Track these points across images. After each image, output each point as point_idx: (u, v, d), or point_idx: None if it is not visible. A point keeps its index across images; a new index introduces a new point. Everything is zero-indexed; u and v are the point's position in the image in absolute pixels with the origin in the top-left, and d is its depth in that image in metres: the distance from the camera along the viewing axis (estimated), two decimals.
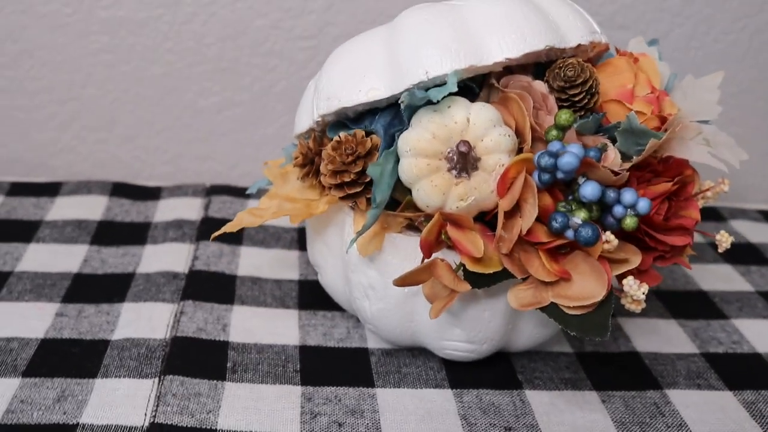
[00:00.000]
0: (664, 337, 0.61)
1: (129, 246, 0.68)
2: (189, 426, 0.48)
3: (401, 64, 0.47)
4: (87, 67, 0.80)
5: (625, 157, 0.50)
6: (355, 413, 0.51)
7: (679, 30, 0.84)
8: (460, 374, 0.55)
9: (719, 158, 0.54)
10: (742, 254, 0.75)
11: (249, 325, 0.59)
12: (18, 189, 0.76)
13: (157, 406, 0.49)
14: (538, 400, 0.53)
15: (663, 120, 0.51)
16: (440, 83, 0.46)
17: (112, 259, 0.65)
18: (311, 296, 0.63)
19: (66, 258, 0.65)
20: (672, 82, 0.59)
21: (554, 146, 0.43)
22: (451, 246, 0.46)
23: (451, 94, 0.45)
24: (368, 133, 0.50)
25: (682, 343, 0.61)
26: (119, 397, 0.50)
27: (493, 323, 0.51)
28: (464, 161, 0.44)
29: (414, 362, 0.56)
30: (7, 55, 0.79)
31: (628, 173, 0.46)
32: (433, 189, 0.45)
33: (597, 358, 0.58)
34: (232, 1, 0.79)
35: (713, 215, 0.83)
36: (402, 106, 0.45)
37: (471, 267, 0.46)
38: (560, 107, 0.48)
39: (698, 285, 0.69)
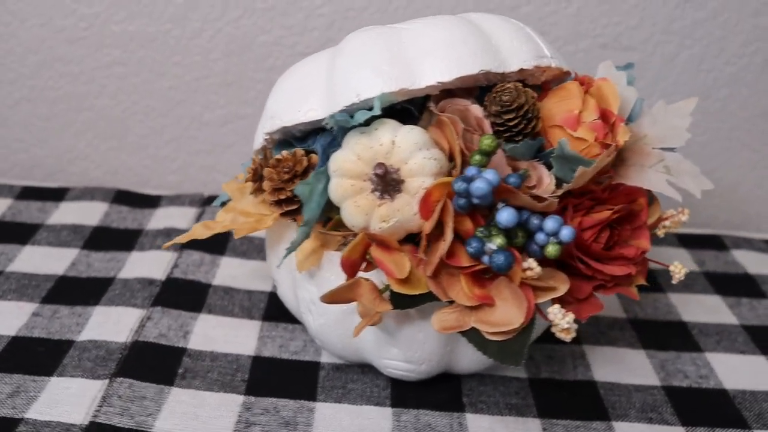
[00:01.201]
0: (627, 367, 0.60)
1: (117, 252, 0.71)
2: (125, 427, 0.50)
3: (337, 86, 0.48)
4: (101, 79, 0.84)
5: (565, 183, 0.49)
6: (289, 425, 0.52)
7: (688, 52, 0.82)
8: (405, 393, 0.56)
9: (677, 187, 0.53)
10: (737, 285, 0.73)
11: (211, 333, 0.61)
12: (28, 193, 0.80)
13: (101, 406, 0.52)
14: (477, 424, 0.53)
15: (607, 147, 0.51)
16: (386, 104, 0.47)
17: (98, 264, 0.69)
18: (277, 309, 0.64)
19: (55, 261, 0.68)
20: (639, 108, 0.58)
21: (470, 171, 0.43)
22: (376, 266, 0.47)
23: (388, 116, 0.46)
24: (310, 152, 0.51)
25: (644, 374, 0.60)
26: (67, 396, 0.53)
27: (428, 344, 0.52)
28: (384, 183, 0.45)
29: (362, 379, 0.57)
30: (29, 66, 0.83)
31: (555, 200, 0.46)
32: (356, 209, 0.46)
33: (550, 384, 0.58)
34: (236, 18, 0.81)
35: (714, 243, 0.80)
36: (328, 128, 0.46)
37: (396, 288, 0.47)
38: (496, 132, 0.48)
39: (680, 315, 0.68)
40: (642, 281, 0.54)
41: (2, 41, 0.82)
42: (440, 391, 0.56)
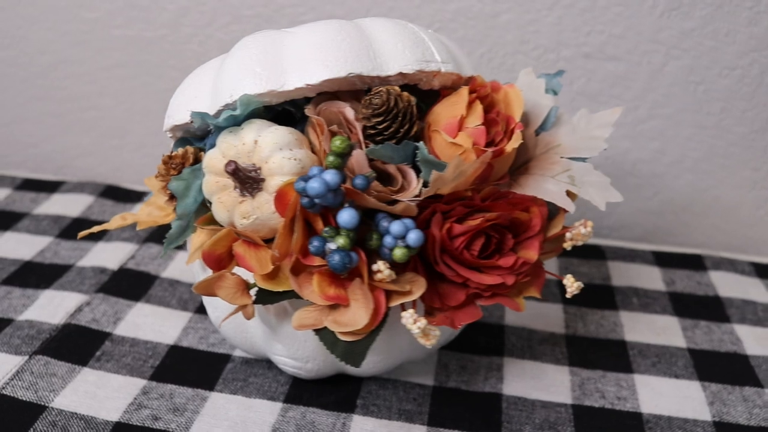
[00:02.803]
0: (541, 383, 0.59)
1: (86, 242, 0.75)
2: (25, 400, 0.54)
3: (218, 87, 0.50)
4: (103, 80, 0.89)
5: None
6: (177, 411, 0.54)
7: (677, 63, 0.79)
8: (302, 391, 0.57)
9: (562, 197, 0.52)
10: (700, 308, 0.69)
11: (140, 321, 0.64)
12: (26, 185, 0.86)
13: (12, 379, 0.56)
14: (361, 426, 0.54)
15: (499, 152, 0.50)
16: (257, 104, 0.49)
17: (64, 252, 0.73)
18: None
19: (27, 247, 0.74)
20: (553, 116, 0.57)
21: (311, 171, 0.44)
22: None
23: (273, 116, 0.48)
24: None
25: (558, 391, 0.58)
26: None
27: (309, 343, 0.52)
28: (239, 181, 0.46)
29: (266, 374, 0.58)
30: (39, 65, 0.90)
31: (411, 204, 0.46)
32: (220, 205, 0.48)
33: (453, 394, 0.57)
34: (226, 24, 0.85)
35: (693, 263, 0.77)
36: (195, 126, 0.48)
37: (260, 284, 0.48)
38: (368, 135, 0.49)
39: (623, 334, 0.65)
40: (534, 293, 0.52)
41: (14, 43, 0.89)
42: (337, 391, 0.57)
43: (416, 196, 0.47)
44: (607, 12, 0.78)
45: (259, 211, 0.47)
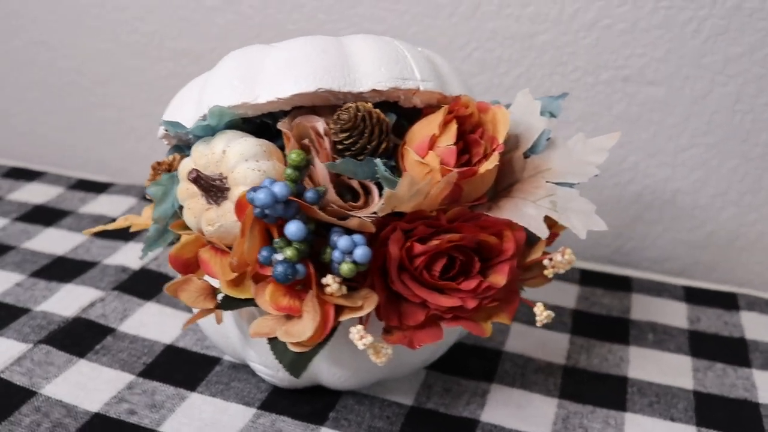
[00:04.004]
0: (524, 413, 0.57)
1: (119, 241, 0.79)
2: (17, 384, 0.57)
3: (201, 98, 0.52)
4: (158, 89, 0.94)
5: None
6: (154, 408, 0.56)
7: (721, 89, 0.75)
8: (278, 399, 0.57)
9: (537, 223, 0.50)
10: (719, 349, 0.65)
11: (146, 320, 0.66)
12: (79, 184, 0.92)
13: (12, 365, 0.59)
14: None
15: (470, 173, 0.49)
16: (232, 116, 0.50)
17: (96, 249, 0.77)
18: None
19: (63, 243, 0.78)
20: (544, 139, 0.55)
21: (265, 182, 0.45)
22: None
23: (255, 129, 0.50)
24: None
25: (538, 423, 0.56)
26: None
27: None
28: (202, 189, 0.48)
29: (249, 380, 0.60)
30: (101, 74, 0.96)
31: (365, 220, 0.46)
32: (188, 212, 0.49)
33: (429, 416, 0.57)
34: (272, 38, 0.87)
35: (725, 301, 0.72)
36: (171, 135, 0.50)
37: (224, 290, 0.49)
38: (338, 150, 0.49)
39: (626, 370, 0.62)
40: (504, 319, 0.51)
41: (78, 53, 0.95)
42: (313, 402, 0.57)
43: (375, 213, 0.47)
44: (647, 35, 0.75)
45: (223, 219, 0.48)
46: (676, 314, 0.71)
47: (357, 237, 0.45)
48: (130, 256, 0.76)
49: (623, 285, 0.75)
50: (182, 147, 0.56)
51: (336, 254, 0.45)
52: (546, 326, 0.68)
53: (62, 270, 0.73)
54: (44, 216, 0.84)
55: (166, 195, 0.52)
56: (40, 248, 0.77)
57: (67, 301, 0.68)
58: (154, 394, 0.57)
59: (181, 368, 0.60)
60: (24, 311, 0.67)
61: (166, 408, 0.56)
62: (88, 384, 0.58)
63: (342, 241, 0.45)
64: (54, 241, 0.79)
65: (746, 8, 0.71)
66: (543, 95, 0.81)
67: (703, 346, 0.66)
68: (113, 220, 0.84)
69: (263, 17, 0.86)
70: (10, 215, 0.84)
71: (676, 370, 0.63)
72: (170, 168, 0.54)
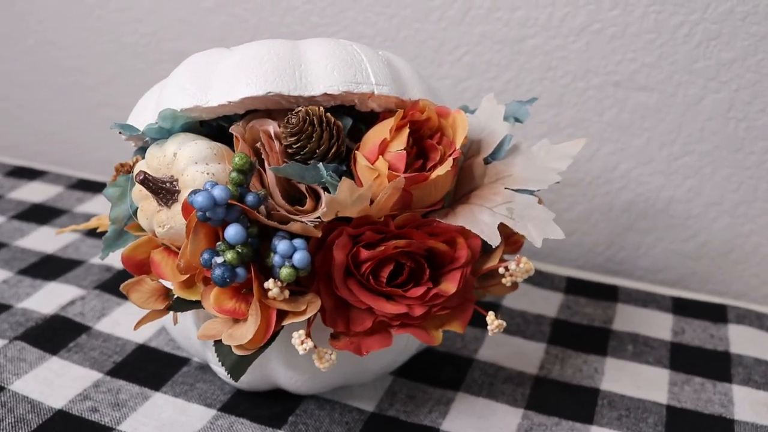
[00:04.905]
0: (485, 424, 0.56)
1: None
2: None
3: (159, 101, 0.52)
4: None
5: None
6: (116, 406, 0.56)
7: (715, 96, 0.73)
8: (240, 402, 0.57)
9: (490, 230, 0.50)
10: (701, 363, 0.63)
11: (122, 320, 0.67)
12: (79, 184, 0.93)
13: None
14: None
15: (421, 179, 0.49)
16: (186, 119, 0.50)
17: (85, 248, 0.79)
18: None
19: (55, 242, 0.80)
20: (506, 144, 0.54)
21: (206, 185, 0.45)
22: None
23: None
24: None
25: None
26: None
27: None
28: (150, 191, 0.48)
29: (214, 381, 0.60)
30: (104, 74, 0.97)
31: (303, 224, 0.46)
32: (141, 213, 0.50)
33: (388, 423, 0.56)
34: (271, 37, 0.88)
35: (713, 313, 0.70)
36: (125, 138, 0.50)
37: (176, 291, 0.49)
38: (289, 154, 0.49)
39: (599, 382, 0.61)
40: (457, 328, 0.51)
41: (83, 53, 0.96)
42: (274, 406, 0.57)
43: (318, 218, 0.47)
44: (638, 39, 0.73)
45: (173, 221, 0.48)
46: (660, 326, 0.69)
47: (298, 241, 0.45)
48: (116, 256, 0.76)
49: (609, 294, 0.73)
50: (146, 149, 0.57)
51: (276, 259, 0.45)
52: (523, 335, 0.67)
53: (48, 268, 0.74)
54: (40, 214, 0.85)
55: (123, 196, 0.52)
56: (31, 246, 0.79)
57: (48, 299, 0.69)
58: (119, 392, 0.58)
59: (149, 368, 0.61)
60: (6, 308, 0.68)
61: (128, 407, 0.56)
62: (55, 381, 0.59)
63: (281, 246, 0.45)
64: (45, 240, 0.80)
65: (739, 12, 0.69)
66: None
67: (684, 359, 0.64)
68: None
69: (258, 20, 0.87)
70: (7, 213, 0.86)
71: (651, 384, 0.61)
72: (131, 170, 0.54)
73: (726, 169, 0.75)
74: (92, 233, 0.81)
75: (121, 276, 0.73)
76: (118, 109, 0.98)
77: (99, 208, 0.87)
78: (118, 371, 0.60)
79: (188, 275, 0.49)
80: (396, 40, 0.82)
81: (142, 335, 0.65)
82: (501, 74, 0.79)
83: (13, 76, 1.04)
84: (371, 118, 0.53)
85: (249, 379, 0.55)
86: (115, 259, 0.75)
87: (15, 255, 0.77)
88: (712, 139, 0.75)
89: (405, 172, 0.48)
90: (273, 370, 0.54)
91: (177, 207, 0.48)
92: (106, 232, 0.55)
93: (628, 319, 0.70)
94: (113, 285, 0.71)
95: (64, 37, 0.97)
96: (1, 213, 0.86)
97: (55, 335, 0.64)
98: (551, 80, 0.78)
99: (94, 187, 0.93)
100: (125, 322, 0.67)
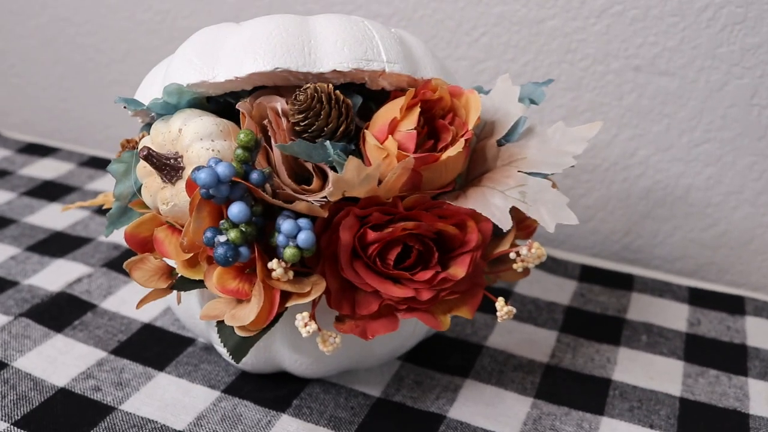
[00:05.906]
0: (494, 411, 0.55)
1: None
2: None
3: (166, 76, 0.51)
4: None
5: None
6: (119, 386, 0.56)
7: (738, 81, 0.71)
8: (243, 384, 0.57)
9: (502, 214, 0.48)
10: (716, 355, 0.62)
11: (128, 297, 0.66)
12: (91, 162, 0.93)
13: None
14: (285, 426, 0.53)
15: (431, 159, 0.47)
16: (192, 94, 0.49)
17: (94, 226, 0.78)
18: None
19: (64, 219, 0.79)
20: (520, 126, 0.53)
21: (210, 162, 0.44)
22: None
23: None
24: None
25: (507, 422, 0.54)
26: None
27: None
28: (154, 167, 0.47)
29: (220, 362, 0.59)
30: (118, 52, 0.96)
31: (309, 203, 0.45)
32: (145, 190, 0.49)
33: (394, 409, 0.55)
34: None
35: (731, 304, 0.68)
36: (131, 114, 0.49)
37: (179, 270, 0.49)
38: (296, 132, 0.48)
39: (611, 373, 0.59)
40: (465, 313, 0.49)
41: (98, 30, 0.96)
42: (278, 389, 0.56)
43: (325, 198, 0.46)
44: (661, 22, 0.71)
45: (177, 198, 0.47)
46: (676, 316, 0.67)
47: (303, 221, 0.44)
48: (121, 234, 0.76)
49: (624, 283, 0.72)
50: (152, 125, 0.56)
51: (281, 238, 0.44)
52: (534, 322, 0.65)
53: (56, 245, 0.74)
54: (50, 191, 0.85)
55: (128, 172, 0.51)
56: (40, 223, 0.78)
57: (55, 276, 0.69)
58: (122, 372, 0.57)
59: (154, 347, 0.60)
60: (12, 284, 0.67)
61: (131, 386, 0.56)
62: (58, 358, 0.58)
63: (286, 225, 0.44)
64: (55, 217, 0.79)
65: None
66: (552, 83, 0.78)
67: (699, 351, 0.62)
68: None
69: None
70: (18, 189, 0.85)
71: (665, 375, 0.60)
72: (137, 146, 0.53)
73: (748, 157, 0.73)
74: (102, 211, 0.81)
75: (129, 254, 0.72)
76: (132, 87, 0.97)
77: (109, 186, 0.86)
78: (122, 350, 0.60)
79: (191, 254, 0.48)
80: (412, 20, 0.81)
81: (147, 314, 0.64)
82: (519, 56, 0.78)
83: (27, 53, 1.03)
84: (382, 97, 0.52)
85: (253, 361, 0.54)
86: (122, 237, 0.74)
87: (24, 231, 0.76)
88: (734, 126, 0.73)
89: (415, 152, 0.47)
90: (278, 353, 0.53)
91: (181, 184, 0.47)
92: (111, 209, 0.54)
93: (643, 308, 0.68)
94: (120, 263, 0.71)
95: (78, 14, 0.96)
96: (12, 189, 0.85)
97: (60, 313, 0.63)
98: (570, 63, 0.76)
99: (105, 165, 0.92)
100: (131, 301, 0.66)
